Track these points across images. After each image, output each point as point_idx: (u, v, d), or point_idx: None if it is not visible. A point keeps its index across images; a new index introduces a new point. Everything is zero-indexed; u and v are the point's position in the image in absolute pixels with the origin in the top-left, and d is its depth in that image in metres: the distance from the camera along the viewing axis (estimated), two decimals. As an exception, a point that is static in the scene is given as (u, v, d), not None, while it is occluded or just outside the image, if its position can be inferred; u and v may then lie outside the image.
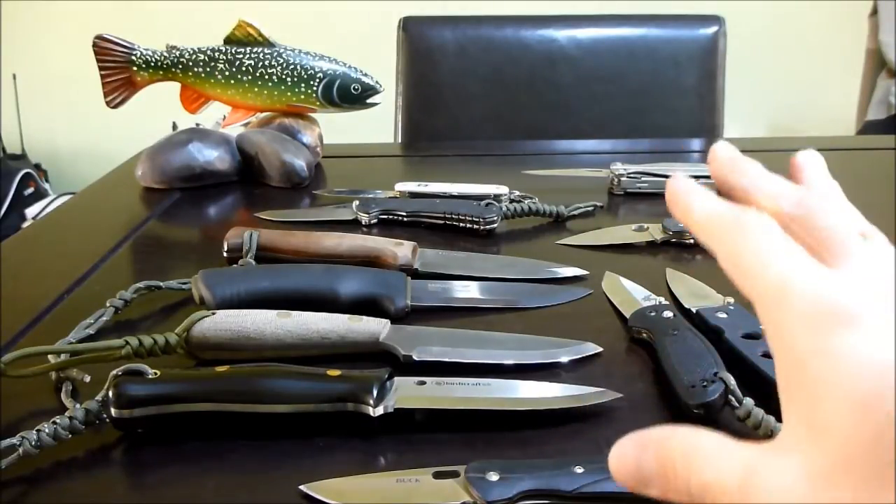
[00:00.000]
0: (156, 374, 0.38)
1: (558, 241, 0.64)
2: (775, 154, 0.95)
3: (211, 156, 0.80)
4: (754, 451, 0.23)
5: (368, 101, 0.84)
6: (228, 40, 0.82)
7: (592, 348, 0.45)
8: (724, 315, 0.46)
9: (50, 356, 0.43)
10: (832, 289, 0.22)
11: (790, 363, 0.22)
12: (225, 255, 0.58)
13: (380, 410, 0.37)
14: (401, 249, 0.56)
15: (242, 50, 0.82)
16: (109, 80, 0.83)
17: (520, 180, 0.78)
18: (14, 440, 0.35)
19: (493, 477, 0.31)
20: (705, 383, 0.38)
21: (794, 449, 0.22)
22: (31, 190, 2.36)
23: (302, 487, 0.33)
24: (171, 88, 0.85)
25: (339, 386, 0.38)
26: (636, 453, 0.25)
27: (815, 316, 0.22)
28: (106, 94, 0.83)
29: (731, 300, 0.48)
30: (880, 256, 0.25)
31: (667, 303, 0.49)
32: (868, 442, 0.20)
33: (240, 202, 0.78)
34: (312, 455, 0.36)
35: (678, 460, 0.24)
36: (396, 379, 0.39)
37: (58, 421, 0.36)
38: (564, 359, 0.44)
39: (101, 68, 0.82)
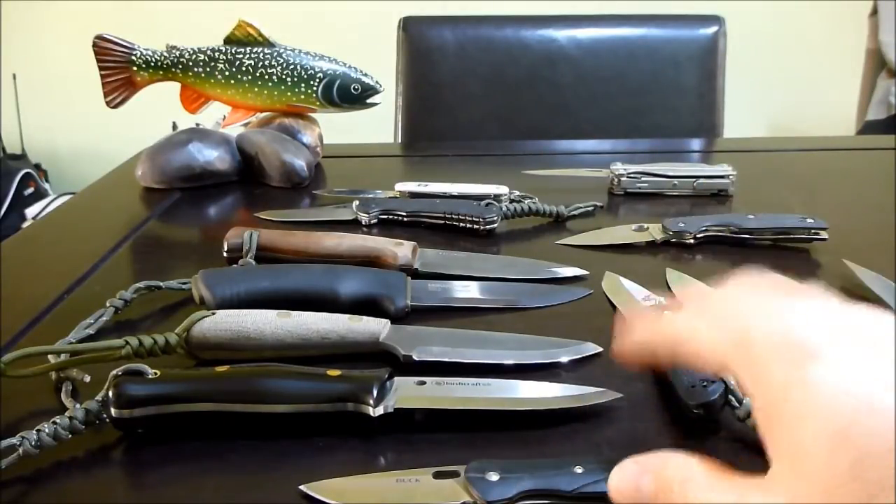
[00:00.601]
0: (156, 374, 0.38)
1: (558, 241, 0.64)
2: (775, 154, 0.96)
3: (211, 156, 0.80)
4: (744, 485, 0.24)
5: (368, 101, 0.84)
6: (228, 40, 0.82)
7: (592, 348, 0.45)
8: (724, 315, 0.46)
9: (50, 356, 0.43)
10: (792, 323, 0.24)
11: (770, 397, 0.24)
12: (225, 255, 0.58)
13: (380, 410, 0.37)
14: (401, 249, 0.56)
15: (242, 50, 0.82)
16: (109, 80, 0.83)
17: (520, 180, 0.78)
18: (14, 440, 0.35)
19: (493, 477, 0.31)
20: (705, 383, 0.38)
21: (780, 481, 0.23)
22: (31, 190, 2.36)
23: (302, 487, 0.33)
24: (171, 88, 0.85)
25: (339, 386, 0.38)
26: (636, 476, 0.27)
27: (786, 349, 0.23)
28: (106, 94, 0.83)
29: (731, 300, 0.48)
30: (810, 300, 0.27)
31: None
32: (846, 470, 0.21)
33: (240, 202, 0.78)
34: (312, 455, 0.36)
35: (675, 487, 0.25)
36: (396, 379, 0.39)
37: (58, 421, 0.36)
38: (564, 359, 0.44)
39: (101, 68, 0.82)
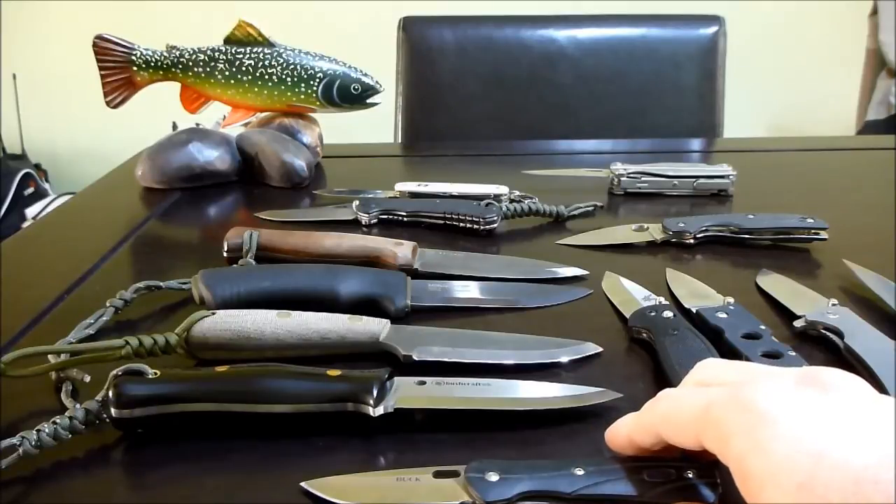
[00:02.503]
0: (156, 374, 0.38)
1: (558, 241, 0.64)
2: (775, 154, 0.96)
3: (211, 156, 0.80)
4: None
5: (368, 101, 0.84)
6: (228, 40, 0.82)
7: (592, 348, 0.45)
8: (724, 315, 0.46)
9: (50, 356, 0.43)
10: (745, 392, 0.26)
11: (735, 468, 0.25)
12: (225, 255, 0.58)
13: (380, 410, 0.37)
14: (401, 249, 0.56)
15: (242, 50, 0.82)
16: (109, 80, 0.83)
17: (520, 180, 0.78)
18: (14, 440, 0.35)
19: (493, 477, 0.31)
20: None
21: None
22: (31, 190, 2.36)
23: (303, 484, 0.33)
24: (171, 88, 0.85)
25: (339, 386, 0.38)
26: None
27: (741, 418, 0.25)
28: (106, 94, 0.84)
29: (731, 300, 0.48)
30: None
31: (667, 303, 0.49)
32: None
33: (240, 202, 0.78)
34: (312, 455, 0.36)
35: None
36: (396, 379, 0.39)
37: (58, 421, 0.36)
38: (564, 359, 0.44)
39: (101, 68, 0.83)
